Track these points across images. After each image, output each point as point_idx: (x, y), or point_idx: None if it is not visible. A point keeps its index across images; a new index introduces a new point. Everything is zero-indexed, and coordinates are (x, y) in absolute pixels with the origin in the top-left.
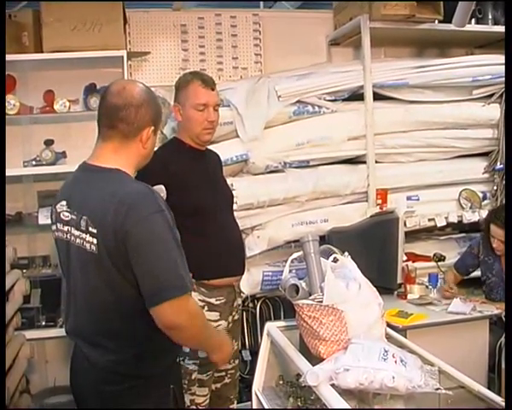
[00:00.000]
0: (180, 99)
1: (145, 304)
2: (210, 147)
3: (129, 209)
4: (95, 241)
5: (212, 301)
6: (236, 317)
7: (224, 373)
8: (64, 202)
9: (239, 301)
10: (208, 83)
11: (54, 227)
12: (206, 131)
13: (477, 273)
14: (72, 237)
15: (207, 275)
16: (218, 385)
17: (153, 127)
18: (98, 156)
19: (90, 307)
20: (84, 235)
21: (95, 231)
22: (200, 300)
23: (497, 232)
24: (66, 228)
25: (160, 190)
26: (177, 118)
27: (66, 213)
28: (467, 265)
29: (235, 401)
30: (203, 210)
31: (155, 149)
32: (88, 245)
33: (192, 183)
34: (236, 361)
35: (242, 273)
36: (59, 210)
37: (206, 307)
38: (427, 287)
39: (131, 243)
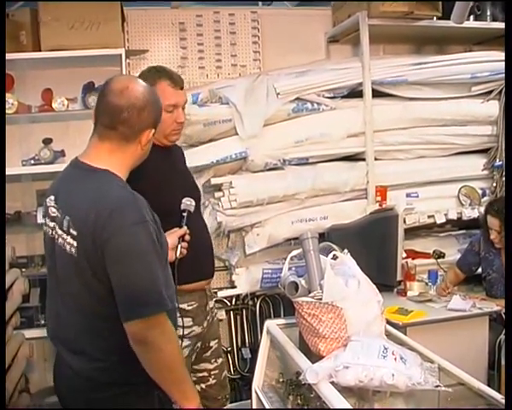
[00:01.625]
0: None
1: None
2: (209, 145)
3: (110, 216)
4: (75, 243)
5: (184, 306)
6: (210, 320)
7: (206, 374)
8: (52, 197)
9: (211, 304)
10: (177, 82)
11: (43, 221)
12: (175, 132)
13: (478, 270)
14: (57, 235)
15: (178, 280)
16: (203, 386)
17: (153, 130)
18: (91, 155)
19: (70, 312)
20: (65, 236)
21: (75, 233)
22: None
23: (493, 222)
24: (52, 224)
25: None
26: None
27: (54, 209)
28: (469, 262)
29: (227, 402)
30: (172, 212)
31: None
32: (68, 247)
33: (160, 184)
34: (219, 361)
35: (212, 276)
36: (48, 204)
37: (177, 314)
38: (426, 284)
39: (109, 252)
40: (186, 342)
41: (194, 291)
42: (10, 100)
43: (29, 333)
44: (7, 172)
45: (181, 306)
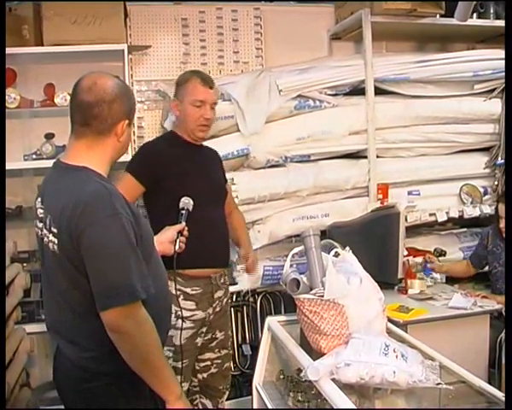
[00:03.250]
0: (179, 95)
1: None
2: (211, 141)
3: (83, 210)
4: (56, 241)
5: (188, 290)
6: (218, 309)
7: (209, 363)
8: (39, 199)
9: (219, 293)
10: (207, 81)
11: (34, 223)
12: (201, 128)
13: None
14: (44, 235)
15: (182, 265)
16: (205, 375)
17: (127, 121)
18: (70, 154)
19: (61, 305)
20: (48, 234)
21: (55, 230)
22: (175, 289)
23: (504, 210)
24: (40, 225)
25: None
26: (175, 112)
27: (41, 211)
28: (479, 256)
29: (227, 392)
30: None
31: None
32: (51, 245)
33: (181, 172)
34: (223, 352)
35: (221, 267)
36: (36, 206)
37: (181, 296)
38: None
39: (84, 245)
40: (188, 324)
41: (198, 277)
42: (12, 94)
43: (30, 328)
44: (9, 167)
45: (184, 289)
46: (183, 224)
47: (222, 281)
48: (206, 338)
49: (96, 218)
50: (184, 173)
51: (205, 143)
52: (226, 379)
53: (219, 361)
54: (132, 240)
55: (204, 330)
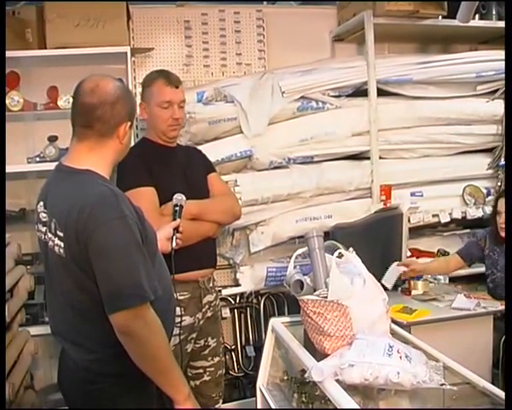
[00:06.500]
0: (146, 97)
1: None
2: (214, 143)
3: (90, 213)
4: (62, 244)
5: (176, 296)
6: (210, 314)
7: (201, 371)
8: (42, 203)
9: (209, 297)
10: (172, 81)
11: (36, 227)
12: (172, 128)
13: (481, 269)
14: (48, 239)
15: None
16: (198, 382)
17: (129, 122)
18: (72, 157)
19: (65, 308)
20: (53, 238)
21: (61, 234)
22: None
23: (504, 205)
24: (43, 229)
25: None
26: (143, 115)
27: (44, 215)
28: (472, 253)
29: (221, 399)
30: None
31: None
32: (57, 248)
33: (157, 179)
34: (216, 359)
35: (208, 268)
36: (38, 211)
37: (174, 302)
38: (430, 283)
39: (92, 248)
40: (176, 331)
41: (186, 282)
42: (16, 97)
43: (34, 330)
44: (12, 170)
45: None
46: (179, 220)
47: (211, 285)
48: (197, 345)
49: (103, 220)
50: (161, 179)
51: (208, 145)
52: (219, 387)
53: (212, 369)
54: (139, 242)
55: (194, 335)
